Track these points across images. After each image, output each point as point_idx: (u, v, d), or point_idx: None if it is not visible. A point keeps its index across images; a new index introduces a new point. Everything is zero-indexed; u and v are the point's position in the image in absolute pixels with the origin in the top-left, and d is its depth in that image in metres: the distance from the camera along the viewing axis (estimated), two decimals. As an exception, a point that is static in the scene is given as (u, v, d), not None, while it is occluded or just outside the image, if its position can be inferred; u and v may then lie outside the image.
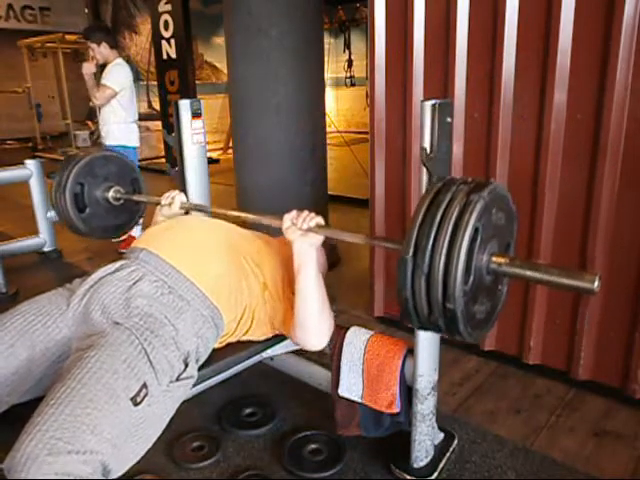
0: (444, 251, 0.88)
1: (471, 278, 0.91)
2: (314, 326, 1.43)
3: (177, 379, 1.23)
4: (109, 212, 1.95)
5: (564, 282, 0.92)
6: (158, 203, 1.77)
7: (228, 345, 1.51)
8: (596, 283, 0.86)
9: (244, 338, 1.54)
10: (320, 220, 1.34)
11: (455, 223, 0.89)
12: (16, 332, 1.27)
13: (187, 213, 1.82)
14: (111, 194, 1.92)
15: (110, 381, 1.08)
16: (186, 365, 1.27)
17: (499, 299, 1.08)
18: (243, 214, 1.59)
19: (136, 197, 1.96)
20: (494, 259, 0.96)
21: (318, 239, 1.35)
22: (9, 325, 1.28)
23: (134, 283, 1.32)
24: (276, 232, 1.73)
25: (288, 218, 1.36)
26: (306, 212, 1.35)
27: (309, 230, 1.32)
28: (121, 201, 1.95)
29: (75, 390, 1.04)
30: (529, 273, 0.96)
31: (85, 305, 1.31)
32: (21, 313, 1.31)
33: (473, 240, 0.89)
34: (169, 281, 1.35)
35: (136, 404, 1.10)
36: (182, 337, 1.28)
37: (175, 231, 1.55)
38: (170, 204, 1.73)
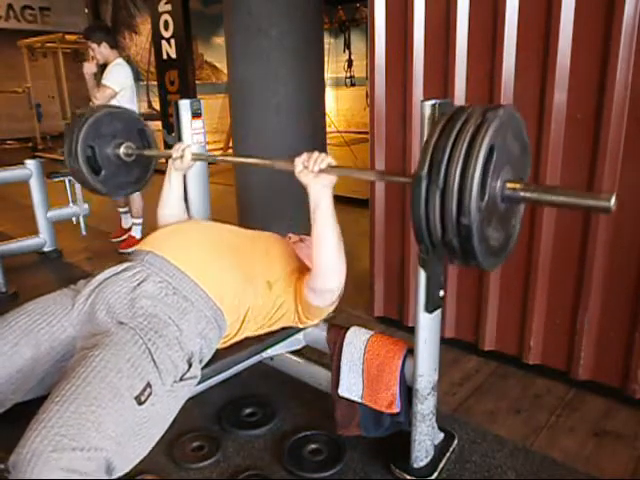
0: (459, 166, 0.87)
1: (486, 197, 0.89)
2: (333, 264, 1.42)
3: (181, 379, 1.24)
4: (123, 168, 1.94)
5: (581, 202, 0.90)
6: (169, 156, 1.76)
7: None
8: (612, 200, 0.86)
9: (273, 328, 1.57)
10: (331, 160, 1.32)
11: (471, 139, 0.88)
12: (21, 331, 1.27)
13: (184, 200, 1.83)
14: (122, 150, 1.90)
15: (114, 380, 1.08)
16: (190, 365, 1.27)
17: (512, 232, 1.06)
18: (252, 160, 1.56)
19: (147, 152, 1.95)
20: (509, 185, 0.95)
21: (331, 179, 1.34)
22: (14, 324, 1.28)
23: (139, 284, 1.33)
24: (283, 233, 1.75)
25: (299, 162, 1.34)
26: (316, 153, 1.33)
27: (321, 172, 1.31)
28: (133, 157, 1.93)
29: (80, 388, 1.04)
30: (545, 196, 0.95)
31: (90, 305, 1.31)
32: (26, 312, 1.31)
33: (488, 159, 0.87)
34: (173, 282, 1.36)
35: (140, 403, 1.11)
36: (186, 337, 1.29)
37: (181, 234, 1.57)
38: (181, 157, 1.72)
